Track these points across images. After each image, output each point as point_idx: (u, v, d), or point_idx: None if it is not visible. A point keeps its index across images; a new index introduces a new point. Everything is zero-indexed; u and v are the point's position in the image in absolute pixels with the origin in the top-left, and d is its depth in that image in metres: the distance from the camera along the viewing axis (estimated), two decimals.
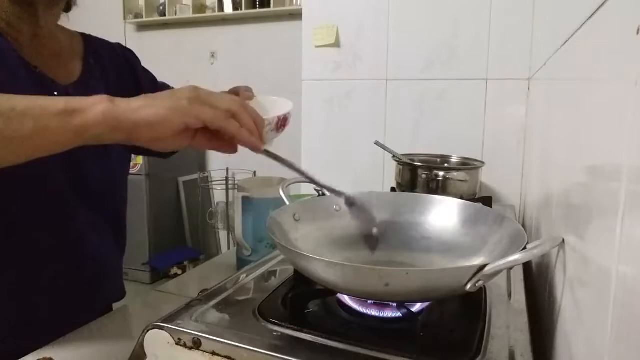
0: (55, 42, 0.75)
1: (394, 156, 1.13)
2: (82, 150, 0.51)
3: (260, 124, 0.55)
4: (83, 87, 0.75)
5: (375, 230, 0.65)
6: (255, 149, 0.54)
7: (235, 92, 0.77)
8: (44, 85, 0.69)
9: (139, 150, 0.86)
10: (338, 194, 0.64)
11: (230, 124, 0.51)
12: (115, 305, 0.83)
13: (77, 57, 0.79)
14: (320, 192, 0.73)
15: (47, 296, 0.72)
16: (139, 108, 0.48)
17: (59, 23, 0.78)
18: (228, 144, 0.54)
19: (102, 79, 0.80)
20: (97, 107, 0.47)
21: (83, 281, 0.75)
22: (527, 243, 0.48)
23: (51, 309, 0.72)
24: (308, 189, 0.96)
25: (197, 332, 0.46)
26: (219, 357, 0.44)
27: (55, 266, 0.72)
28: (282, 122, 0.65)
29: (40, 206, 0.69)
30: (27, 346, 0.60)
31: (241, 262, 0.94)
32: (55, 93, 0.70)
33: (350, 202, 0.65)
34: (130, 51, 0.89)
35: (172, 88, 1.02)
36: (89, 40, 0.83)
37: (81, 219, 0.74)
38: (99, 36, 0.86)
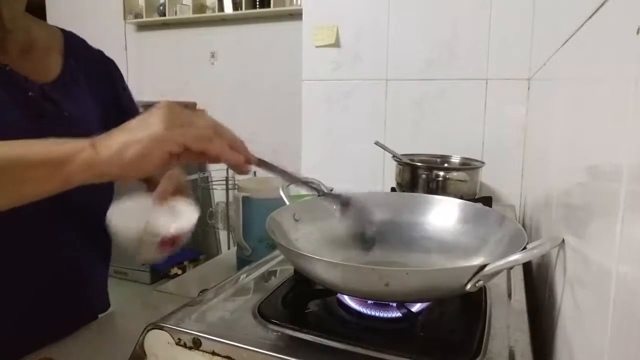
0: (24, 35, 0.68)
1: (394, 156, 1.13)
2: None
3: (240, 143, 0.51)
4: (62, 88, 0.69)
5: (371, 231, 0.63)
6: (244, 167, 0.51)
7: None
8: (15, 85, 0.64)
9: None
10: (334, 197, 0.63)
11: (213, 143, 0.48)
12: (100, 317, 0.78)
13: (56, 52, 0.72)
14: (320, 193, 0.73)
15: (22, 311, 0.67)
16: (121, 150, 0.45)
17: (49, 22, 0.74)
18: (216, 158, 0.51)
19: (83, 83, 0.74)
20: (79, 156, 0.45)
21: (62, 296, 0.71)
22: (527, 243, 0.48)
23: (27, 324, 0.67)
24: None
25: (197, 332, 0.46)
26: (219, 357, 0.44)
27: (32, 281, 0.67)
28: (170, 242, 0.59)
29: (16, 222, 0.63)
30: None
31: (241, 262, 0.94)
32: (30, 93, 0.65)
33: (346, 203, 0.63)
34: (112, 62, 0.83)
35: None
36: (70, 38, 0.77)
37: (60, 232, 0.69)
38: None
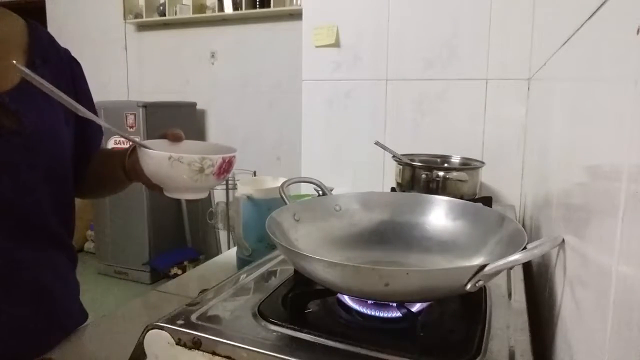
0: None
1: (394, 156, 1.13)
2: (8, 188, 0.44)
3: None
4: (24, 97, 0.58)
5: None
6: None
7: (162, 135, 0.66)
8: None
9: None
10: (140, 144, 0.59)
11: None
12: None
13: (19, 51, 0.61)
14: (320, 192, 0.73)
15: None
16: None
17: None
18: None
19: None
20: None
21: (25, 312, 0.64)
22: (527, 243, 0.48)
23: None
24: (308, 188, 0.96)
25: (197, 332, 0.46)
26: (219, 357, 0.44)
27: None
28: (225, 166, 0.61)
29: None
30: None
31: (241, 262, 0.93)
32: None
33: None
34: (78, 64, 0.73)
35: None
36: (37, 32, 0.65)
37: (26, 254, 0.63)
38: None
